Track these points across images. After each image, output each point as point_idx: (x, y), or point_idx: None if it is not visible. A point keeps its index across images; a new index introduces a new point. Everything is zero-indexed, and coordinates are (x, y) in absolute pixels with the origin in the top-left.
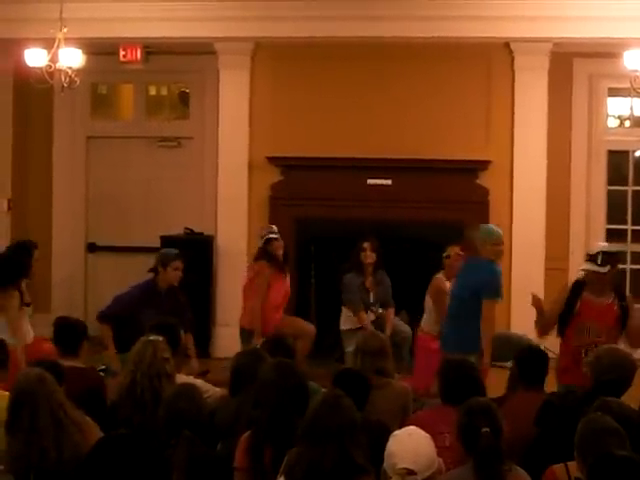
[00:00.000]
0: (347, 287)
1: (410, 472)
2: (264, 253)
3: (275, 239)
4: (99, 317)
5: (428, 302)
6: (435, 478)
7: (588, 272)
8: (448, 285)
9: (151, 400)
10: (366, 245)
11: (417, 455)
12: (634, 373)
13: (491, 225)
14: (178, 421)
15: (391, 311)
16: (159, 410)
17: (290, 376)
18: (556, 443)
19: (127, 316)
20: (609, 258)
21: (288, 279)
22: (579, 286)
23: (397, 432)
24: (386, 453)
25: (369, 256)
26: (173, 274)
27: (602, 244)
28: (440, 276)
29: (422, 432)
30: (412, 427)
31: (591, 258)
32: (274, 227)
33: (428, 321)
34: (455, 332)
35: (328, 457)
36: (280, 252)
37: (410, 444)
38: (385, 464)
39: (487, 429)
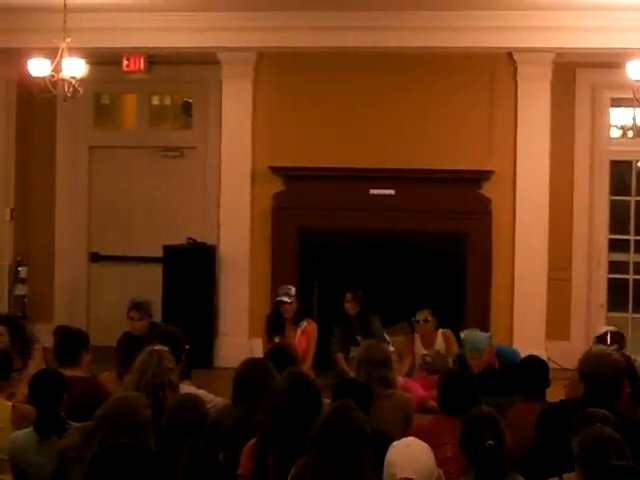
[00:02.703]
0: (333, 336)
1: None
2: (270, 314)
3: (287, 303)
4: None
5: None
6: None
7: None
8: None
9: (154, 409)
10: (348, 296)
11: (417, 464)
12: (625, 379)
13: (473, 335)
14: (180, 431)
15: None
16: (161, 420)
17: (301, 385)
18: (555, 453)
19: None
20: (617, 338)
21: (300, 335)
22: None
23: (396, 442)
24: (386, 463)
25: (351, 308)
26: (130, 324)
27: (606, 327)
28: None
29: (421, 442)
30: (411, 437)
31: (599, 340)
32: (292, 289)
33: None
34: None
35: (335, 468)
36: (288, 316)
37: (409, 454)
38: (385, 474)
39: (491, 442)
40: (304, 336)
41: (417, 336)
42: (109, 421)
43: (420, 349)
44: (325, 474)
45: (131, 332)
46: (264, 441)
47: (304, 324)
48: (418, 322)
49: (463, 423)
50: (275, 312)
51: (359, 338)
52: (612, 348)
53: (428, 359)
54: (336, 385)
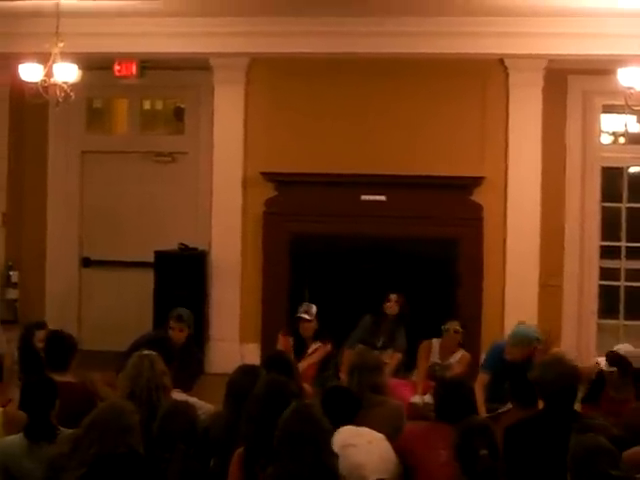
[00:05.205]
0: (358, 325)
1: None
2: (290, 328)
3: (306, 320)
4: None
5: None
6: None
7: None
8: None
9: (148, 414)
10: (392, 297)
11: (386, 463)
12: (579, 381)
13: (521, 328)
14: (171, 437)
15: (396, 356)
16: (153, 426)
17: (278, 393)
18: (523, 468)
19: None
20: (617, 360)
21: (315, 354)
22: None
23: (355, 441)
24: (349, 464)
25: (390, 307)
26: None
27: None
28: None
29: (377, 434)
30: (362, 428)
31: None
32: (313, 307)
33: None
34: None
35: (306, 469)
36: (308, 334)
37: (376, 452)
38: (350, 476)
39: (485, 451)
40: (314, 354)
41: (435, 342)
42: (97, 427)
43: (435, 356)
44: (298, 476)
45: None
46: (250, 449)
47: (319, 344)
48: (448, 331)
49: (457, 432)
50: (294, 330)
51: (380, 341)
52: (611, 369)
53: (437, 368)
54: (325, 392)
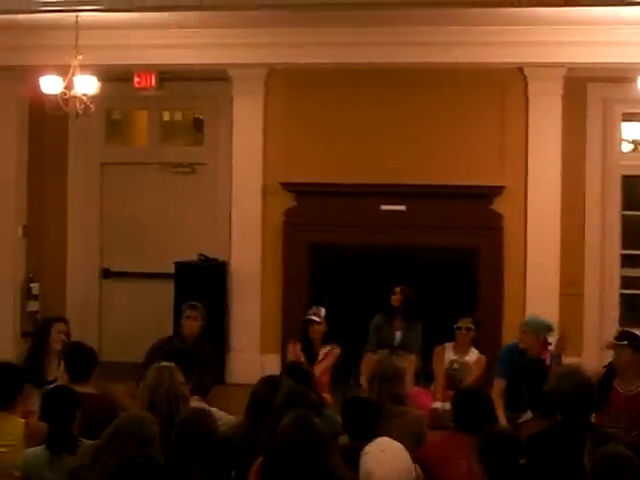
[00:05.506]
0: (370, 327)
1: None
2: (300, 333)
3: (316, 322)
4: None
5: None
6: None
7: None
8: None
9: (167, 425)
10: (397, 289)
11: (397, 472)
12: (594, 391)
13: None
14: (190, 444)
15: (411, 358)
16: (172, 434)
17: (299, 403)
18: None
19: None
20: (629, 336)
21: (326, 359)
22: (609, 375)
23: (369, 448)
24: (363, 472)
25: (395, 299)
26: (185, 323)
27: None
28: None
29: (395, 443)
30: (383, 438)
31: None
32: (322, 309)
33: None
34: None
35: (305, 473)
36: (317, 336)
37: (387, 461)
38: None
39: (524, 460)
40: (325, 360)
41: (448, 345)
42: (118, 438)
43: (450, 355)
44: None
45: (167, 340)
46: (269, 459)
47: (328, 348)
48: (460, 329)
49: (482, 440)
50: (304, 333)
51: (397, 337)
52: (621, 343)
53: (456, 366)
54: (344, 403)
